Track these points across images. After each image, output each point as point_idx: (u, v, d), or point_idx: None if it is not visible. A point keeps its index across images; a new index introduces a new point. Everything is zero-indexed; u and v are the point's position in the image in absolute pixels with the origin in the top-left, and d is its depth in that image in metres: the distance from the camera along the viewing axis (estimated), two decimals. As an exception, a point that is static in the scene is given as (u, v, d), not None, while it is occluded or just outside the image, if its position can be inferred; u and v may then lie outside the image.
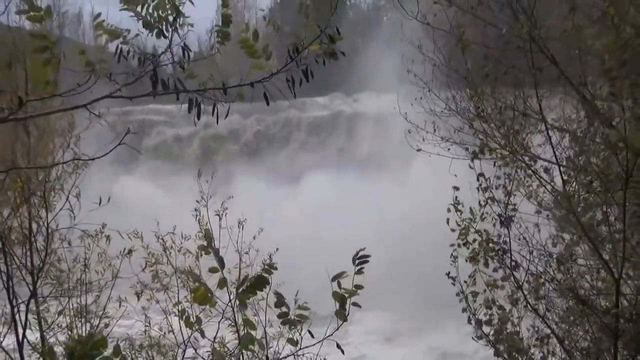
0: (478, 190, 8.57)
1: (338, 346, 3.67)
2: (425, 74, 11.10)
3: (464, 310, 8.45)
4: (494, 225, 8.31)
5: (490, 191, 8.49)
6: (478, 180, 8.62)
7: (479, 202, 8.40)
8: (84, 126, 8.37)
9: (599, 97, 8.11)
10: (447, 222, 8.35)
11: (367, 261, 3.50)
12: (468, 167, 8.80)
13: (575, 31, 8.23)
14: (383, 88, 43.86)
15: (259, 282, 3.48)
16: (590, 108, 8.33)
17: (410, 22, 10.16)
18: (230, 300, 3.72)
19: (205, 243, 3.86)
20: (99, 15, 3.05)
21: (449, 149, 10.79)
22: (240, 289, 3.53)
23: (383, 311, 27.24)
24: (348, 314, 3.49)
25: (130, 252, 9.20)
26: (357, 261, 3.52)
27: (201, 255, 3.77)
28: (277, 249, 9.03)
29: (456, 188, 8.47)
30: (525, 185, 9.11)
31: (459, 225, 8.34)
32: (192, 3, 2.92)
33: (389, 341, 27.82)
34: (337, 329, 3.48)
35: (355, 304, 3.49)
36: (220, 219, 8.90)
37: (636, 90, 7.64)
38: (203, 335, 6.85)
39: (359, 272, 3.49)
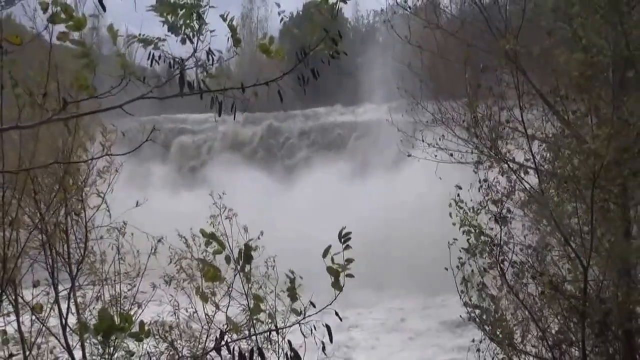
0: (479, 190, 8.62)
1: (336, 314, 3.74)
2: (415, 88, 11.12)
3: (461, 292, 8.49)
4: (487, 222, 8.34)
5: (490, 193, 8.55)
6: (480, 182, 8.68)
7: (480, 202, 8.45)
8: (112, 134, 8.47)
9: (570, 111, 8.15)
10: (450, 215, 8.38)
11: (350, 238, 3.53)
12: (449, 170, 8.84)
13: (549, 52, 8.27)
14: (378, 100, 44.03)
15: (248, 253, 3.59)
16: (562, 121, 8.35)
17: (402, 42, 10.20)
18: (236, 275, 3.77)
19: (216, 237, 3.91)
20: (115, 31, 3.08)
21: (435, 155, 10.76)
22: (241, 263, 3.64)
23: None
24: (343, 285, 3.51)
25: (156, 249, 9.33)
26: (343, 239, 3.55)
27: (207, 244, 3.81)
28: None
29: (459, 187, 8.51)
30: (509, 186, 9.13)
31: (460, 219, 8.38)
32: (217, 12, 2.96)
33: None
34: (335, 298, 3.53)
35: (349, 275, 3.54)
36: (228, 214, 9.01)
37: (601, 104, 7.67)
38: (218, 308, 6.93)
39: (347, 247, 3.52)
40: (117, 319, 2.94)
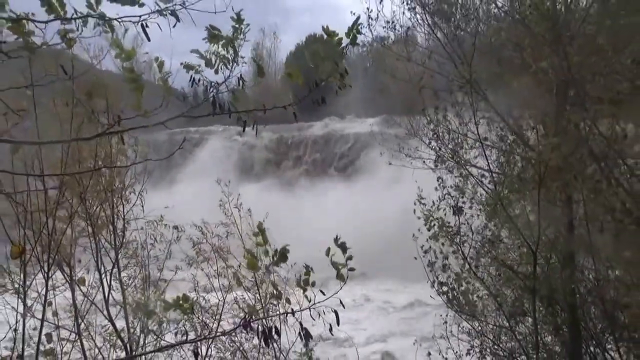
0: (436, 189, 8.70)
1: (340, 302, 3.68)
2: (393, 106, 11.24)
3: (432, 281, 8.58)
4: (445, 214, 8.41)
5: (447, 190, 8.62)
6: (438, 181, 8.77)
7: (438, 197, 8.53)
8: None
9: (520, 123, 8.25)
10: (414, 212, 8.46)
11: (345, 243, 3.59)
12: (423, 175, 8.91)
13: (502, 76, 8.39)
14: (365, 115, 44.02)
15: (283, 253, 3.63)
16: (513, 131, 8.44)
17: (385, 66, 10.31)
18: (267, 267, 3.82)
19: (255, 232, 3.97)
20: (161, 61, 3.14)
21: (411, 162, 10.80)
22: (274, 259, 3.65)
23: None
24: (347, 277, 3.58)
25: (178, 237, 9.41)
26: (338, 242, 3.61)
27: (257, 238, 3.89)
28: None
29: (420, 192, 8.58)
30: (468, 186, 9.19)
31: (424, 214, 8.46)
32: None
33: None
34: (341, 288, 3.54)
35: (351, 269, 3.58)
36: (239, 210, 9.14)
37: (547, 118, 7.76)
38: (239, 284, 6.97)
39: (344, 250, 3.58)
40: (151, 296, 3.01)
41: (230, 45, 2.97)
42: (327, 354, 14.94)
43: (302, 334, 3.70)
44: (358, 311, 24.72)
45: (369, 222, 28.53)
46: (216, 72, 3.02)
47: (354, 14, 7.99)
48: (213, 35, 3.02)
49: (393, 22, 9.65)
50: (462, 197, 8.40)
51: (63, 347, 6.80)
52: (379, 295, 27.32)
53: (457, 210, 8.07)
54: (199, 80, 3.06)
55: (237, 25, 3.10)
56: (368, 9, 9.69)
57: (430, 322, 9.63)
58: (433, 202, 8.44)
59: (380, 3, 9.67)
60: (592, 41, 7.27)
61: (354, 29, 3.28)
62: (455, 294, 8.47)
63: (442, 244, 8.37)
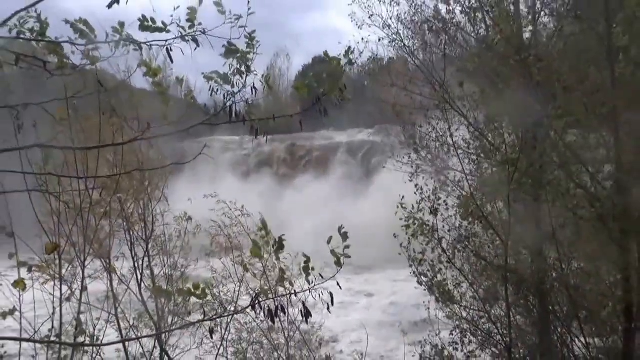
0: (415, 193, 8.69)
1: (337, 284, 3.74)
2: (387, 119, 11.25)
3: (410, 266, 8.58)
4: (423, 214, 8.38)
5: (425, 193, 8.61)
6: (416, 187, 8.77)
7: (416, 201, 8.51)
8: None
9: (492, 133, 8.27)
10: (395, 214, 8.45)
11: (347, 233, 3.64)
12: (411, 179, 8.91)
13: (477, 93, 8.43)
14: (364, 126, 43.88)
15: (281, 242, 3.68)
16: (485, 139, 8.46)
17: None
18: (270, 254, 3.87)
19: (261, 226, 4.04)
20: (181, 79, 3.22)
21: (401, 167, 10.81)
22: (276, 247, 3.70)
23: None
24: (343, 264, 3.61)
25: (199, 231, 9.52)
26: (341, 232, 3.65)
27: (262, 232, 3.95)
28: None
29: (402, 199, 8.58)
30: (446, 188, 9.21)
31: (406, 216, 8.44)
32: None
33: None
34: (338, 272, 3.58)
35: (347, 256, 3.63)
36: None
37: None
38: (246, 269, 7.03)
39: (345, 238, 3.63)
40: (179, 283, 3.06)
41: (244, 60, 3.04)
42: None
43: (303, 313, 3.75)
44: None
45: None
46: (232, 86, 3.09)
47: (340, 43, 8.10)
48: (229, 50, 3.09)
49: (376, 55, 9.70)
50: (438, 200, 8.38)
51: (103, 328, 6.86)
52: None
53: (434, 211, 8.06)
54: (217, 90, 3.12)
55: (250, 42, 3.17)
56: (363, 39, 9.76)
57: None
58: (412, 205, 8.42)
59: (364, 42, 9.76)
60: (552, 64, 7.32)
61: (348, 55, 3.40)
62: (435, 283, 8.46)
63: (422, 243, 8.35)
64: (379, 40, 9.41)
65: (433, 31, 9.19)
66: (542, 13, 8.55)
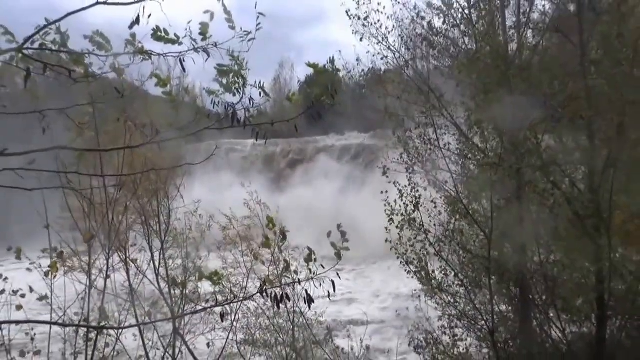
0: (400, 190, 8.61)
1: (337, 274, 3.72)
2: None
3: (397, 257, 8.55)
4: (412, 211, 8.34)
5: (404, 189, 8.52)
6: (404, 188, 8.69)
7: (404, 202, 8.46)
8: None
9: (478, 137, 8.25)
10: (385, 212, 8.42)
11: (345, 232, 3.65)
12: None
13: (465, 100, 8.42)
14: (363, 130, 43.83)
15: (283, 234, 3.67)
16: (471, 143, 8.45)
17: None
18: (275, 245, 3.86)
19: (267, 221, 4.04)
20: (188, 89, 3.23)
21: (395, 170, 10.74)
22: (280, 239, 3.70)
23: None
24: (342, 255, 3.62)
25: (210, 225, 9.50)
26: (340, 229, 3.66)
27: (269, 226, 3.95)
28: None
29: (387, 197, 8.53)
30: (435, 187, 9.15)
31: (394, 213, 8.39)
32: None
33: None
34: (337, 263, 3.58)
35: (346, 249, 3.63)
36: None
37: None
38: (256, 258, 7.00)
39: (343, 235, 3.63)
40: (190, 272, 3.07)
41: (239, 76, 3.04)
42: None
43: (305, 299, 3.75)
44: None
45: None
46: (233, 94, 3.09)
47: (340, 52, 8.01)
48: (222, 71, 3.10)
49: (370, 68, 9.63)
50: (419, 197, 8.34)
51: (123, 315, 6.86)
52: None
53: (415, 205, 8.03)
54: (219, 103, 3.12)
55: (237, 62, 3.15)
56: (368, 52, 9.67)
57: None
58: (395, 201, 8.38)
59: (357, 60, 9.73)
60: (533, 75, 7.30)
61: (333, 64, 3.43)
62: (424, 274, 8.44)
63: (410, 238, 8.33)
64: (376, 54, 9.35)
65: (424, 45, 9.16)
66: (526, 28, 8.52)
